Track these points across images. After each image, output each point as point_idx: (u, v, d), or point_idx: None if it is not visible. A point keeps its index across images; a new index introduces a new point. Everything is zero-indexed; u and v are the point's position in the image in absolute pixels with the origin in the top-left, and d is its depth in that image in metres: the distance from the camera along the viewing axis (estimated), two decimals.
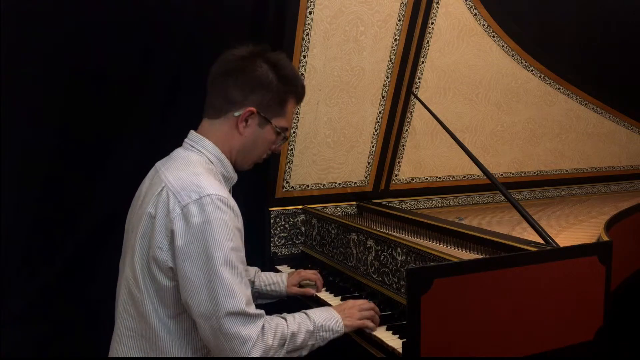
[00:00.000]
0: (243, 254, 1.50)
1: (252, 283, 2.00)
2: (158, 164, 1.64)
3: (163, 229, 1.44)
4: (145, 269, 1.48)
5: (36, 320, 2.36)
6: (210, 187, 1.45)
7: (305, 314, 1.60)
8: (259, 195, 2.65)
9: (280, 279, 2.04)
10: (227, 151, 1.62)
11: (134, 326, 1.52)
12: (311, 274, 2.09)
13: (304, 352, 1.55)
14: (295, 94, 1.67)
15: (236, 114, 1.58)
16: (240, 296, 1.41)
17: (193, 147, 1.60)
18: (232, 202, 1.49)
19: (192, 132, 1.64)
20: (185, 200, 1.43)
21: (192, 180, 1.47)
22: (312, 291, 2.04)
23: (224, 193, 1.47)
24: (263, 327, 1.46)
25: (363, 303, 1.74)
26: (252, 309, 1.45)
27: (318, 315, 1.61)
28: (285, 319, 1.54)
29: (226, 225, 1.42)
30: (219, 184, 1.51)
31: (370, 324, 1.70)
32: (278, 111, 1.63)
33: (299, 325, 1.54)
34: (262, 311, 1.49)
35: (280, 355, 1.49)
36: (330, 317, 1.62)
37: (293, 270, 2.25)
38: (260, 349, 1.43)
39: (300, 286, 2.06)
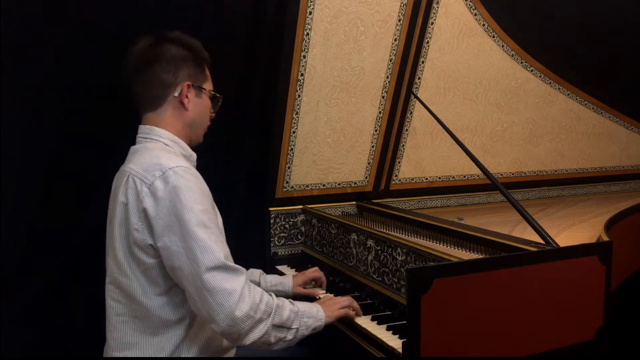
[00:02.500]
0: (214, 216, 1.56)
1: (258, 284, 2.04)
2: (120, 168, 1.68)
3: (136, 211, 1.51)
4: (128, 254, 1.54)
5: (36, 320, 2.36)
6: (170, 161, 1.53)
7: (289, 300, 1.65)
8: (259, 195, 2.65)
9: (286, 280, 2.10)
10: (180, 132, 1.68)
11: (125, 310, 1.58)
12: (313, 273, 2.13)
13: (289, 337, 1.58)
14: (206, 60, 1.74)
15: (176, 94, 1.66)
16: (216, 250, 1.47)
17: (146, 138, 1.66)
18: (194, 171, 1.57)
19: (140, 126, 1.70)
20: (150, 179, 1.50)
21: (153, 161, 1.54)
22: (318, 292, 2.08)
23: (185, 164, 1.55)
24: (251, 286, 1.52)
25: (339, 299, 1.82)
26: (232, 263, 1.50)
27: (299, 303, 1.67)
28: (270, 294, 1.59)
29: (192, 190, 1.50)
30: (181, 159, 1.59)
31: (351, 312, 1.79)
32: (203, 77, 1.72)
33: (283, 301, 1.60)
34: (242, 267, 1.54)
35: (268, 327, 1.52)
36: (311, 306, 1.69)
37: (296, 273, 2.25)
38: (247, 303, 1.47)
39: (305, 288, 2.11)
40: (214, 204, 1.63)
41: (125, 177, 1.56)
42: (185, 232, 1.46)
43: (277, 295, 2.02)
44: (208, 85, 1.74)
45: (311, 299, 2.03)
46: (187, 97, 1.67)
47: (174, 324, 1.56)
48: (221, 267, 1.47)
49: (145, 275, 1.54)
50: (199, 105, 1.71)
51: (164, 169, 1.50)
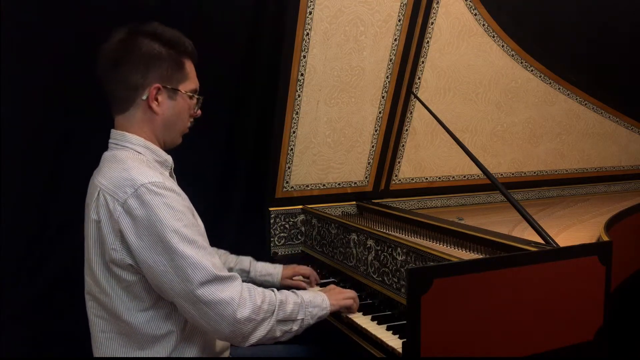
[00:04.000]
0: (199, 228, 1.50)
1: (247, 272, 2.06)
2: (94, 173, 1.60)
3: (111, 231, 1.44)
4: (107, 273, 1.48)
5: (36, 320, 2.36)
6: (141, 176, 1.44)
7: (292, 291, 1.64)
8: (259, 195, 2.65)
9: (275, 271, 2.11)
10: (151, 137, 1.58)
11: (110, 327, 1.52)
12: (305, 270, 2.16)
13: (295, 327, 1.57)
14: (187, 54, 1.60)
15: (144, 97, 1.53)
16: (205, 263, 1.42)
17: (117, 144, 1.56)
18: (169, 184, 1.48)
19: (112, 130, 1.60)
20: (123, 197, 1.42)
21: (123, 176, 1.45)
22: (303, 284, 2.12)
23: (158, 178, 1.45)
24: (250, 288, 1.49)
25: (343, 289, 1.85)
26: (224, 272, 1.46)
27: (304, 293, 1.66)
28: (272, 290, 1.58)
29: (170, 207, 1.42)
30: (152, 170, 1.49)
31: (354, 305, 1.82)
32: (180, 77, 1.58)
33: (286, 296, 1.58)
34: (235, 273, 1.51)
35: (272, 324, 1.50)
36: (316, 295, 1.68)
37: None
38: (248, 307, 1.45)
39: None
40: (194, 210, 1.56)
41: (96, 192, 1.48)
42: (172, 251, 1.40)
43: (264, 286, 2.04)
44: (188, 85, 1.60)
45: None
46: (156, 100, 1.54)
47: (162, 338, 1.51)
48: (214, 280, 1.43)
49: (127, 291, 1.48)
50: (171, 108, 1.57)
51: (135, 186, 1.42)
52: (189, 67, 1.61)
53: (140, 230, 1.41)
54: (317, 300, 1.65)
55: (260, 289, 1.53)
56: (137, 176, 1.44)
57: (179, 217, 1.43)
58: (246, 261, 2.09)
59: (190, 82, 1.61)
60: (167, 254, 1.40)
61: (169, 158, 1.63)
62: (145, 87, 1.53)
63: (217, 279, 1.43)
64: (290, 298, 1.58)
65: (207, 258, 1.44)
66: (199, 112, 1.67)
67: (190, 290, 1.41)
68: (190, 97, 1.62)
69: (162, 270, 1.41)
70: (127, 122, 1.56)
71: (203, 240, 1.48)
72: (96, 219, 1.47)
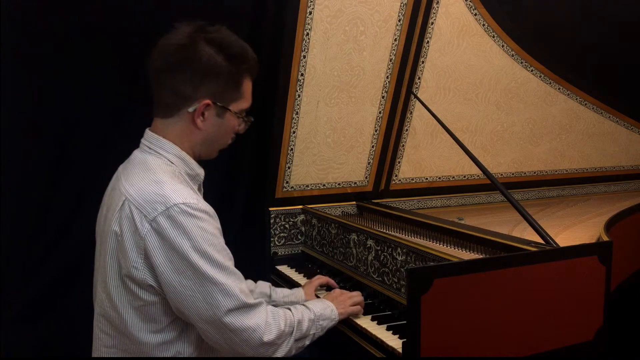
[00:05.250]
0: (228, 251, 1.45)
1: (269, 297, 1.95)
2: (120, 169, 1.54)
3: (134, 247, 1.36)
4: (122, 289, 1.41)
5: (36, 320, 2.36)
6: (174, 194, 1.36)
7: (304, 305, 1.65)
8: (259, 195, 2.65)
9: (298, 293, 1.98)
10: (187, 148, 1.50)
11: (114, 343, 1.46)
12: (320, 280, 2.08)
13: (307, 342, 1.58)
14: (249, 72, 1.51)
15: (190, 109, 1.45)
16: (236, 291, 1.39)
17: (150, 148, 1.48)
18: (203, 205, 1.40)
19: (147, 131, 1.51)
20: (152, 214, 1.34)
21: (154, 190, 1.37)
22: None
23: (191, 198, 1.38)
24: (274, 313, 1.49)
25: (351, 294, 1.84)
26: (251, 299, 1.43)
27: (315, 305, 1.66)
28: (289, 309, 1.58)
29: (203, 231, 1.36)
30: (184, 187, 1.41)
31: (361, 310, 1.81)
32: (235, 95, 1.49)
33: (301, 314, 1.58)
34: (261, 299, 1.49)
35: (290, 344, 1.51)
36: (326, 307, 1.68)
37: (300, 275, 2.26)
38: (273, 333, 1.45)
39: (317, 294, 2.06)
40: (220, 226, 1.48)
41: (121, 202, 1.39)
42: (202, 277, 1.35)
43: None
44: (241, 104, 1.51)
45: None
46: (202, 115, 1.46)
47: (174, 354, 1.45)
48: (242, 307, 1.40)
49: (139, 311, 1.41)
50: (216, 126, 1.49)
51: (168, 204, 1.34)
52: (247, 85, 1.53)
53: (168, 252, 1.34)
54: (327, 312, 1.66)
55: (281, 311, 1.52)
56: (170, 193, 1.36)
57: (211, 242, 1.37)
58: (266, 286, 1.96)
59: (244, 101, 1.53)
60: (197, 278, 1.35)
61: (202, 172, 1.56)
62: (194, 100, 1.45)
63: (244, 307, 1.40)
64: (305, 315, 1.58)
65: (237, 284, 1.41)
66: (244, 129, 1.59)
67: (218, 317, 1.37)
68: (239, 117, 1.54)
69: (189, 294, 1.36)
70: (166, 128, 1.48)
71: (232, 264, 1.43)
72: (117, 231, 1.38)
